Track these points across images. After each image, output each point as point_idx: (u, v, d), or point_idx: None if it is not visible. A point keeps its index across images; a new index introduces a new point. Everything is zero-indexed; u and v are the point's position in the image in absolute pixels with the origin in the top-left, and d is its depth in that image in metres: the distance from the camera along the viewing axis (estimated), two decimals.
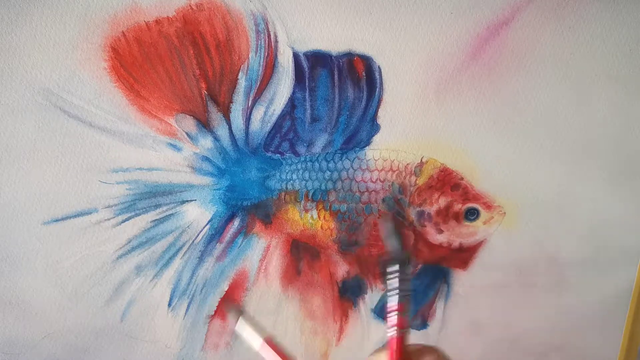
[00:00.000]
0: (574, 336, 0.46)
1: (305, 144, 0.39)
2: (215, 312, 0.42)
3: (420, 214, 0.41)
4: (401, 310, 0.28)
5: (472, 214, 0.42)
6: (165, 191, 0.39)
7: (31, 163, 0.37)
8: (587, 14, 0.39)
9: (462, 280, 0.43)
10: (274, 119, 0.39)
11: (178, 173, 0.39)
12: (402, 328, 0.28)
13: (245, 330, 0.31)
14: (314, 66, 0.38)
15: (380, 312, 0.43)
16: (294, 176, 0.40)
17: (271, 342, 0.30)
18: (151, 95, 0.37)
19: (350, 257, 0.42)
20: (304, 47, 0.37)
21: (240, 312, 0.33)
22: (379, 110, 0.39)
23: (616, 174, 0.42)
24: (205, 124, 0.38)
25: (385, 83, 0.39)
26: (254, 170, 0.40)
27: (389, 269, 0.29)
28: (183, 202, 0.39)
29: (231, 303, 0.35)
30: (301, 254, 0.42)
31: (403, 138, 0.40)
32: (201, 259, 0.41)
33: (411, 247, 0.42)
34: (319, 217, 0.41)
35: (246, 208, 0.40)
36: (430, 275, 0.43)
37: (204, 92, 0.38)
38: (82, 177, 0.38)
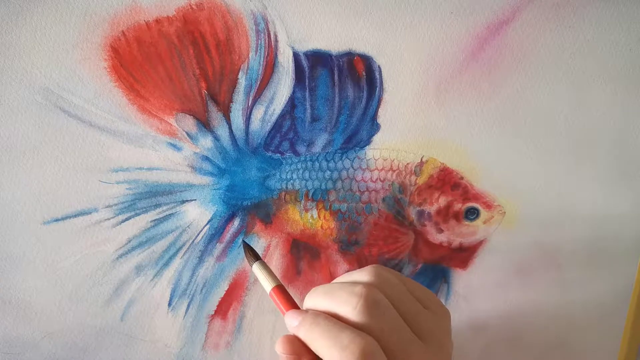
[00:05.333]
0: (574, 335, 0.46)
1: (305, 144, 0.40)
2: (215, 311, 0.42)
3: (421, 214, 0.41)
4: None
5: (472, 214, 0.42)
6: (165, 191, 0.39)
7: (31, 163, 0.37)
8: (587, 14, 0.39)
9: (462, 279, 0.43)
10: (274, 118, 0.39)
11: (178, 173, 0.39)
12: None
13: (259, 276, 0.34)
14: (314, 66, 0.38)
15: None
16: (294, 176, 0.40)
17: (279, 292, 0.32)
18: (151, 95, 0.37)
19: (350, 256, 0.42)
20: (304, 47, 0.37)
21: (256, 257, 0.35)
22: (379, 109, 0.39)
23: (616, 174, 0.42)
24: (205, 124, 0.38)
25: (385, 83, 0.39)
26: (254, 170, 0.40)
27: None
28: (183, 201, 0.39)
29: (248, 246, 0.36)
30: (301, 254, 0.42)
31: (403, 137, 0.40)
32: (201, 258, 0.41)
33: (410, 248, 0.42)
34: (319, 216, 0.41)
35: (246, 208, 0.40)
36: (430, 275, 0.43)
37: (204, 91, 0.38)
38: (82, 177, 0.38)
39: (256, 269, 0.35)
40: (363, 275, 0.29)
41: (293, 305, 0.31)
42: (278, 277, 0.34)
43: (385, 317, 0.27)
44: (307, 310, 0.29)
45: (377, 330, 0.26)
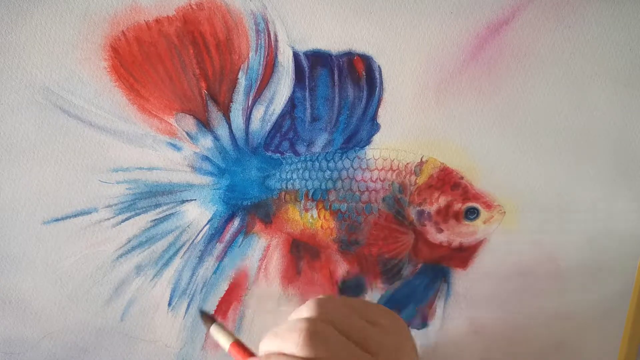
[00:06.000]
0: (574, 335, 0.46)
1: (305, 144, 0.40)
2: (216, 311, 0.42)
3: (420, 213, 0.41)
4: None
5: (472, 213, 0.42)
6: (165, 191, 0.39)
7: (31, 162, 0.37)
8: (587, 13, 0.39)
9: (462, 279, 0.43)
10: (274, 118, 0.39)
11: (178, 172, 0.39)
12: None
13: (217, 337, 0.35)
14: (314, 65, 0.38)
15: None
16: (294, 175, 0.40)
17: (237, 346, 0.34)
18: (151, 95, 0.37)
19: (350, 256, 0.42)
20: (304, 47, 0.37)
21: (212, 320, 0.37)
22: (379, 109, 0.39)
23: (616, 174, 0.42)
24: (205, 124, 0.38)
25: (385, 82, 0.39)
26: (254, 170, 0.40)
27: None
28: (183, 201, 0.40)
29: (204, 312, 0.38)
30: (301, 254, 0.42)
31: (403, 137, 0.40)
32: (201, 258, 0.41)
33: (410, 248, 0.42)
34: (319, 216, 0.41)
35: (246, 208, 0.40)
36: (430, 275, 0.43)
37: (204, 91, 0.38)
38: (82, 177, 0.38)
39: (214, 330, 0.36)
40: (303, 309, 0.31)
41: (251, 355, 0.33)
42: (234, 335, 0.36)
43: (329, 344, 0.28)
44: (261, 357, 0.30)
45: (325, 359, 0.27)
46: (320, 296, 0.32)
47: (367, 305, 0.32)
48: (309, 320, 0.29)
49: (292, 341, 0.28)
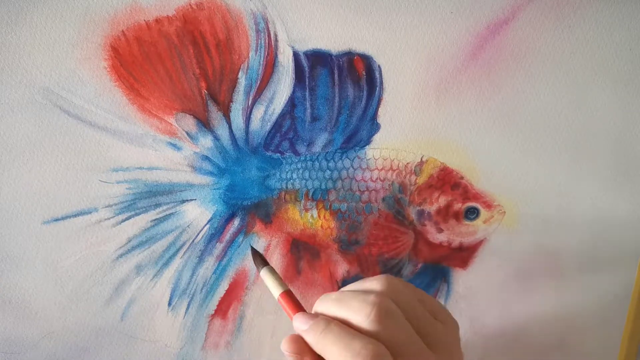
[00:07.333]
0: (574, 335, 0.46)
1: (305, 143, 0.40)
2: (215, 311, 0.42)
3: (421, 213, 0.41)
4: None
5: (472, 213, 0.42)
6: (165, 190, 0.39)
7: (31, 162, 0.37)
8: (587, 13, 0.39)
9: (462, 279, 0.43)
10: (274, 118, 0.39)
11: (178, 172, 0.39)
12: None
13: (267, 281, 0.35)
14: (314, 65, 0.38)
15: None
16: (294, 175, 0.40)
17: (287, 297, 0.33)
18: (151, 95, 0.37)
19: (351, 256, 0.42)
20: (304, 46, 0.38)
21: (264, 262, 0.37)
22: (379, 109, 0.39)
23: (616, 174, 0.42)
24: (205, 123, 0.38)
25: (386, 82, 0.39)
26: (254, 170, 0.40)
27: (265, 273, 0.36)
28: (183, 201, 0.39)
29: (257, 251, 0.37)
30: (301, 254, 0.42)
31: (403, 137, 0.40)
32: (201, 258, 0.41)
33: (411, 248, 0.42)
34: (319, 216, 0.41)
35: (246, 207, 0.40)
36: (430, 275, 0.43)
37: (204, 91, 0.38)
38: (82, 177, 0.38)
39: (264, 274, 0.36)
40: (375, 283, 0.30)
41: (301, 310, 0.32)
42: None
43: (397, 326, 0.27)
44: (317, 315, 0.29)
45: (389, 339, 0.27)
46: (388, 275, 0.31)
47: (430, 299, 0.31)
48: (384, 296, 0.28)
49: (362, 313, 0.27)
